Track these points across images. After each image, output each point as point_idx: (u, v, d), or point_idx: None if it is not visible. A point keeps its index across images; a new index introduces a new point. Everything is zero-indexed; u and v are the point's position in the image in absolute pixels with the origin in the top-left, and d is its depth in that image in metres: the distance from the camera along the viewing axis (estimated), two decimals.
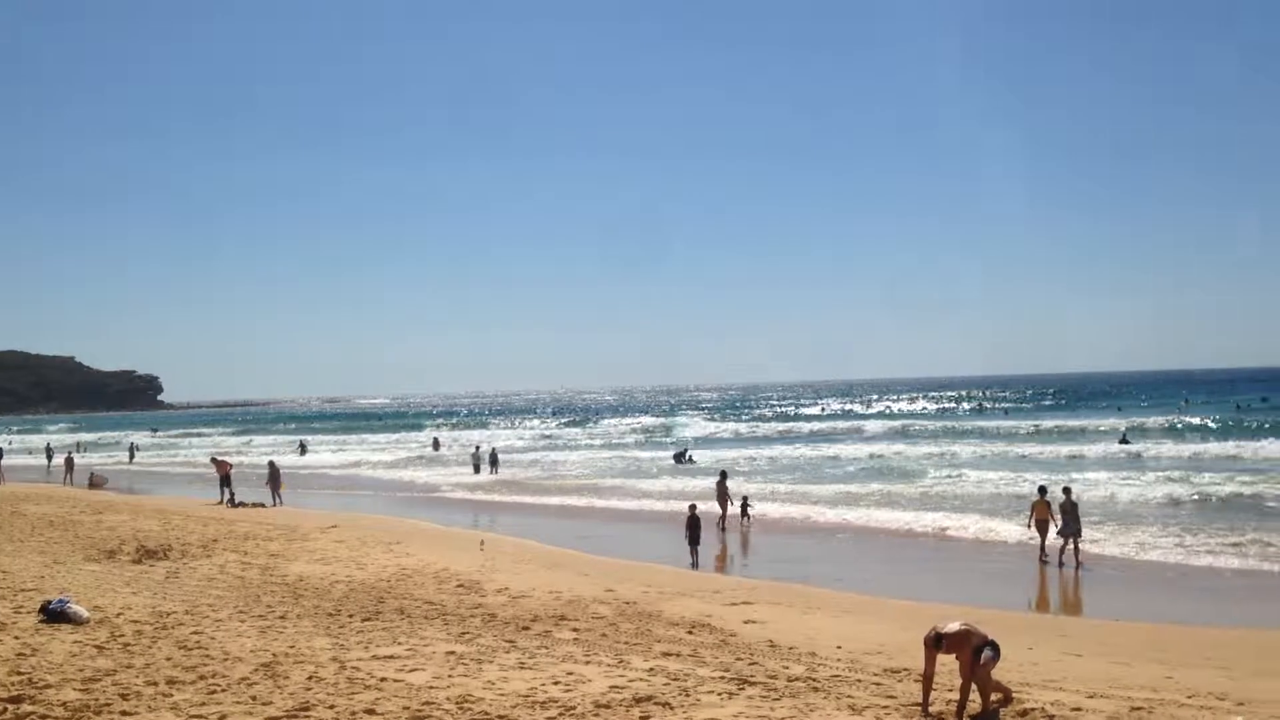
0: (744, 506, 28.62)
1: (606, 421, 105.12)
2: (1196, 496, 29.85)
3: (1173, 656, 13.17)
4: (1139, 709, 10.13)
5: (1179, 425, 62.11)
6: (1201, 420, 64.30)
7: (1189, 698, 10.77)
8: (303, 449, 69.51)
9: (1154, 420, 65.89)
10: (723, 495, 28.47)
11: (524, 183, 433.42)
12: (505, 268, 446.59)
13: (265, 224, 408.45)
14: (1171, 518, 26.59)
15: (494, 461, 49.37)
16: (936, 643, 9.97)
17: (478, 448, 53.36)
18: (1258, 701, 10.58)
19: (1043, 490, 23.10)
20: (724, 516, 28.17)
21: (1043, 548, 22.05)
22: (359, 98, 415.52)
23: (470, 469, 49.12)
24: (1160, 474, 35.85)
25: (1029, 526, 22.63)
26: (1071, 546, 21.47)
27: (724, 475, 29.84)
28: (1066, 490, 22.70)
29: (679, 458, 54.01)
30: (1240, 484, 31.57)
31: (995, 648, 10.03)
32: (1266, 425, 57.01)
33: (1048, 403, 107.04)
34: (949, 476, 38.75)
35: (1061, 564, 21.29)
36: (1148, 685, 11.41)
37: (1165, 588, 19.13)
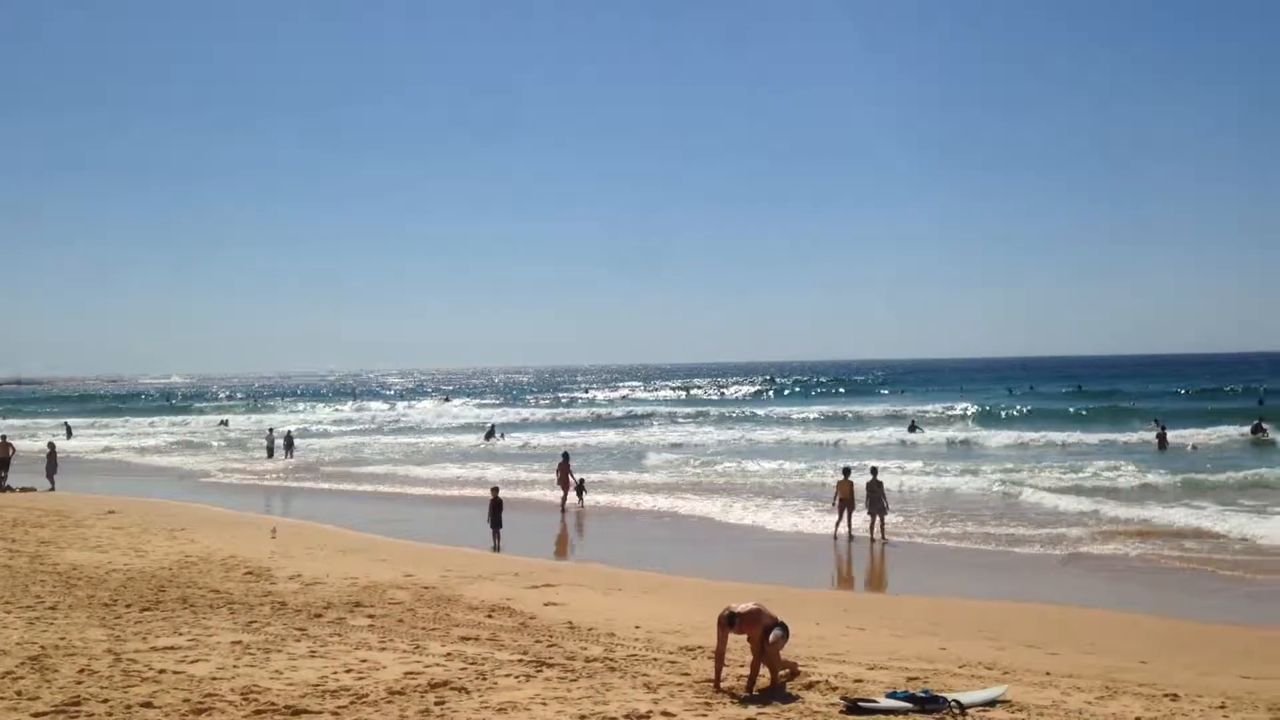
0: (580, 488, 28.75)
1: (423, 404, 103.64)
2: (965, 484, 31.23)
3: (946, 629, 13.95)
4: (915, 679, 10.68)
5: (960, 412, 65.75)
6: (967, 409, 67.55)
7: (960, 667, 11.44)
8: (68, 432, 64.90)
9: (933, 407, 69.38)
10: (564, 477, 28.52)
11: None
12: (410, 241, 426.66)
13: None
14: (943, 501, 28.21)
15: (289, 445, 47.67)
16: (730, 621, 10.23)
17: (271, 431, 51.44)
18: (1021, 670, 11.31)
19: (846, 471, 24.13)
20: (565, 498, 28.32)
21: (839, 525, 23.07)
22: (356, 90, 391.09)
23: (265, 453, 47.32)
24: (934, 461, 38.02)
25: (834, 505, 23.54)
26: (878, 523, 22.62)
27: (566, 456, 29.80)
28: (873, 470, 23.83)
29: (489, 435, 53.80)
30: (997, 476, 33.17)
31: (784, 627, 10.38)
32: (1008, 413, 61.61)
33: (841, 391, 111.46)
34: (749, 461, 39.90)
35: (873, 540, 22.36)
36: (924, 656, 12.05)
37: (941, 565, 20.25)
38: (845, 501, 23.12)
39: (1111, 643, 13.12)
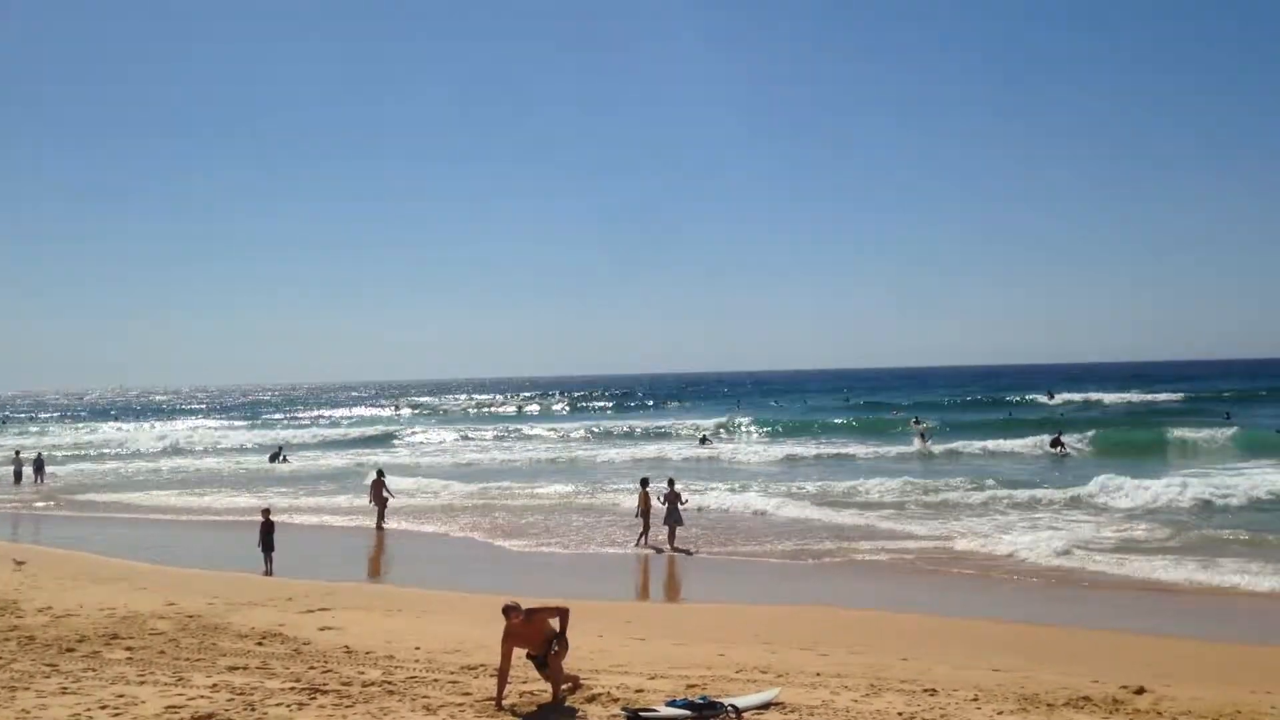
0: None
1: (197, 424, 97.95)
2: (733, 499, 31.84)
3: (726, 636, 14.30)
4: (694, 685, 10.89)
5: (739, 425, 67.80)
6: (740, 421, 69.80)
7: (737, 672, 11.74)
8: None
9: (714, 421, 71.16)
10: (378, 494, 27.86)
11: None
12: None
13: None
14: (720, 514, 29.00)
15: (39, 469, 44.22)
16: (516, 610, 10.20)
17: (18, 453, 47.48)
18: (795, 672, 11.72)
19: (644, 482, 24.49)
20: (381, 516, 27.78)
21: (642, 534, 23.57)
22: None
23: (12, 478, 43.65)
24: (707, 475, 38.97)
25: (636, 516, 23.91)
26: (674, 533, 23.30)
27: (381, 473, 29.05)
28: (670, 482, 24.44)
29: (275, 458, 51.55)
30: (759, 489, 34.34)
31: (564, 640, 10.39)
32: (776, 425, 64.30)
33: (632, 404, 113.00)
34: (535, 480, 39.80)
35: (672, 550, 22.85)
36: (703, 663, 12.31)
37: (722, 575, 20.79)
38: (645, 512, 23.62)
39: (876, 642, 13.77)
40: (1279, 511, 25.06)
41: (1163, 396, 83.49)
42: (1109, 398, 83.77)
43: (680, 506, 23.71)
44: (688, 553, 22.78)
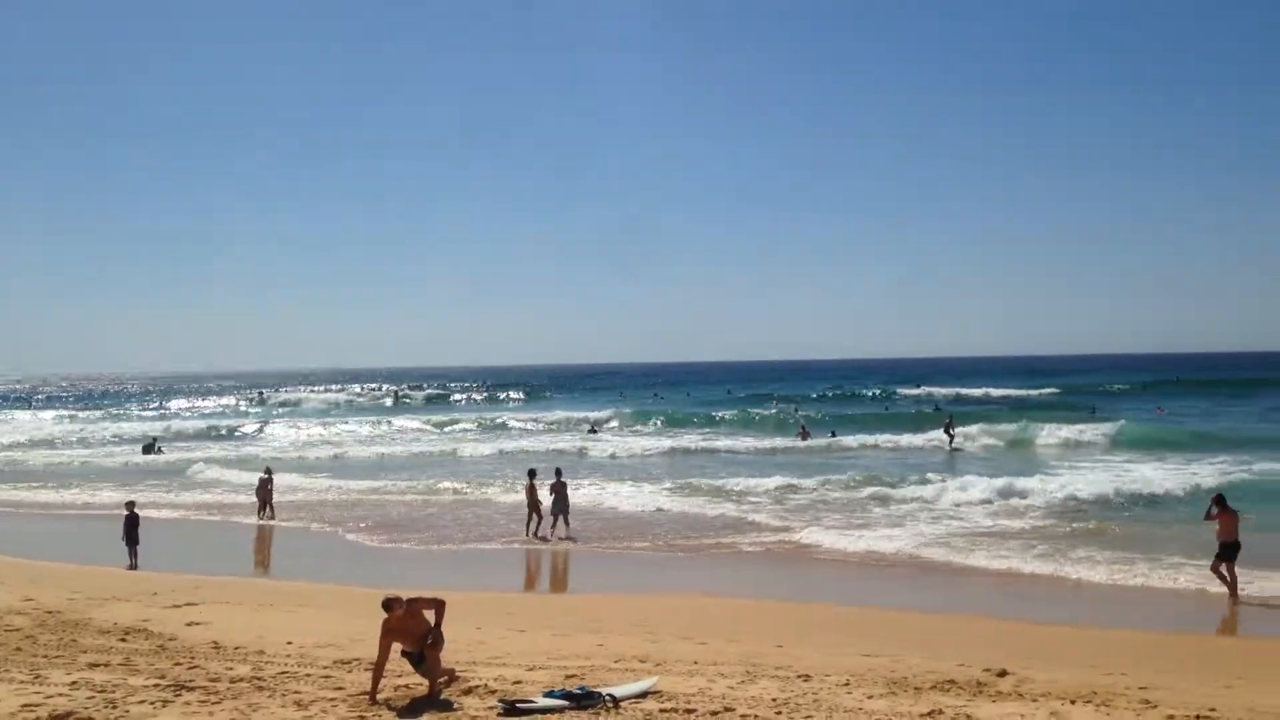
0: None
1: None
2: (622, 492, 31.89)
3: (606, 626, 14.35)
4: (573, 676, 10.90)
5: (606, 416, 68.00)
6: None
7: (616, 662, 11.79)
8: None
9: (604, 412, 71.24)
10: (263, 489, 27.49)
11: None
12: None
13: None
14: (597, 506, 29.09)
15: None
16: (399, 603, 10.07)
17: None
18: (673, 661, 11.82)
19: (532, 473, 24.42)
20: (261, 510, 27.32)
21: (529, 526, 23.51)
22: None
23: None
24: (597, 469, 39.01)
25: (526, 508, 23.90)
26: (562, 523, 23.38)
27: (269, 471, 28.63)
28: (558, 472, 24.56)
29: (149, 450, 49.59)
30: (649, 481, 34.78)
31: (439, 634, 10.28)
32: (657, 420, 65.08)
33: (516, 395, 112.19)
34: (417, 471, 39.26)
35: (565, 540, 22.94)
36: (582, 654, 12.32)
37: (604, 565, 20.89)
38: (533, 503, 23.61)
39: (753, 631, 13.99)
40: (1128, 504, 26.18)
41: (1035, 392, 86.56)
42: (992, 392, 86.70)
43: (567, 498, 23.81)
44: (573, 541, 22.84)
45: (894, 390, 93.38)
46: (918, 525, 23.45)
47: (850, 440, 47.11)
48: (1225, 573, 16.56)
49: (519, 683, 10.66)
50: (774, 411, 68.71)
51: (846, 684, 10.63)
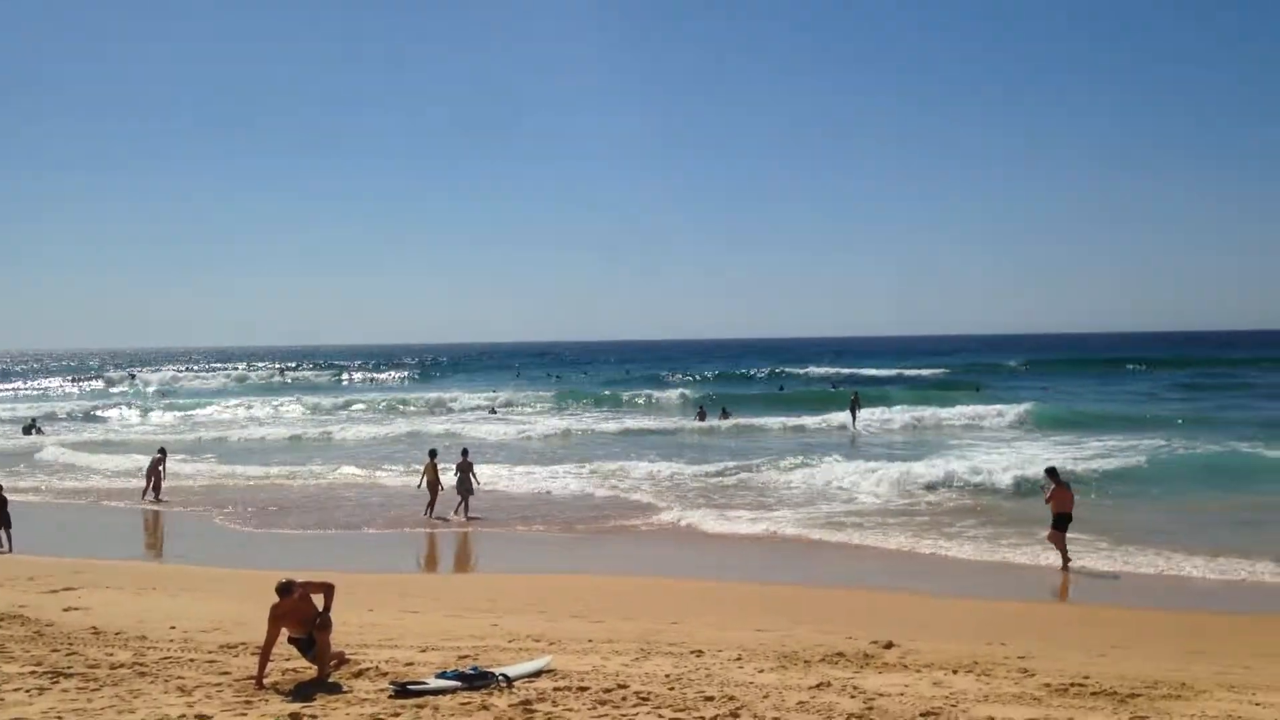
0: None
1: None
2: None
3: (501, 606, 14.31)
4: (466, 656, 10.82)
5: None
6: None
7: (510, 642, 11.75)
8: None
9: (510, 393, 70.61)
10: (154, 470, 26.99)
11: None
12: None
13: None
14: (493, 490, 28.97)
15: None
16: (292, 586, 9.89)
17: None
18: (568, 639, 11.83)
19: (433, 454, 24.28)
20: (146, 492, 26.81)
21: (429, 507, 23.35)
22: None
23: None
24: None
25: (419, 487, 23.79)
26: (463, 506, 23.26)
27: (163, 451, 28.03)
28: (464, 453, 24.58)
29: (29, 430, 47.60)
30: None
31: (327, 618, 10.11)
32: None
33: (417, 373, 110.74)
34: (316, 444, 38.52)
35: (470, 519, 22.86)
36: (477, 634, 12.25)
37: (500, 546, 20.81)
38: (432, 484, 23.47)
39: (648, 608, 14.09)
40: (1014, 483, 26.84)
41: (925, 372, 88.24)
42: (879, 372, 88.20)
43: (472, 478, 23.70)
44: (474, 521, 22.76)
45: (784, 370, 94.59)
46: (812, 505, 23.83)
47: (748, 421, 47.40)
48: (1057, 543, 17.28)
49: (411, 664, 10.55)
50: (678, 393, 68.65)
51: (738, 658, 10.78)
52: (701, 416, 48.86)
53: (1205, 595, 15.39)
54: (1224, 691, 9.55)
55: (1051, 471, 18.39)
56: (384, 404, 66.14)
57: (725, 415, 48.38)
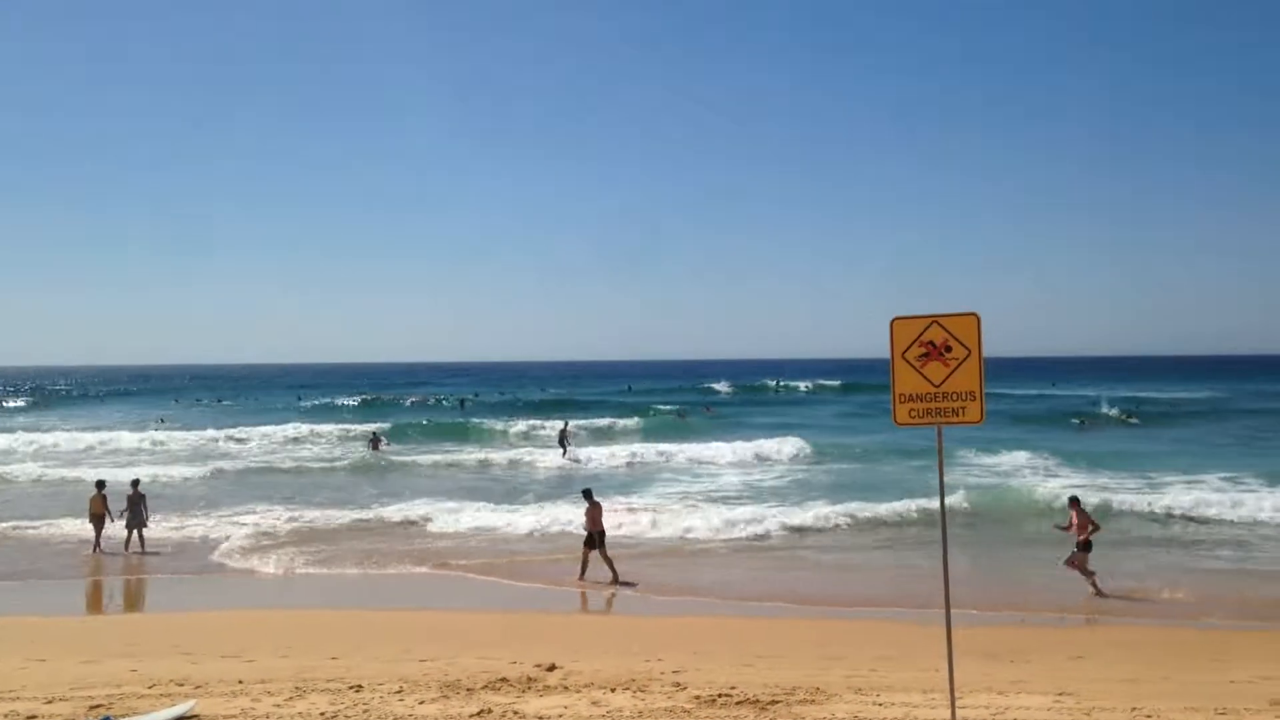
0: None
1: None
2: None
3: (141, 649, 13.26)
4: (99, 706, 9.94)
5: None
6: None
7: (150, 687, 10.90)
8: None
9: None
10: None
11: None
12: None
13: None
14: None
15: None
16: None
17: None
18: (215, 681, 11.11)
19: (100, 484, 22.96)
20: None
21: (96, 543, 22.02)
22: None
23: None
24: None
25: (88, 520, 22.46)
26: (136, 536, 22.09)
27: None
28: (134, 483, 23.35)
29: None
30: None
31: None
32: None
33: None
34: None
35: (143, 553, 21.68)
36: (113, 681, 11.28)
37: (149, 585, 19.32)
38: (97, 517, 22.15)
39: (308, 644, 13.54)
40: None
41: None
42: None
43: (144, 508, 22.47)
44: (155, 553, 21.46)
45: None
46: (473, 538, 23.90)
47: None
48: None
49: (34, 718, 9.58)
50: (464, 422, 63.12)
51: (399, 691, 10.58)
52: (375, 445, 47.13)
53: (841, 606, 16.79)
54: (852, 694, 10.43)
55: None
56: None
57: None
